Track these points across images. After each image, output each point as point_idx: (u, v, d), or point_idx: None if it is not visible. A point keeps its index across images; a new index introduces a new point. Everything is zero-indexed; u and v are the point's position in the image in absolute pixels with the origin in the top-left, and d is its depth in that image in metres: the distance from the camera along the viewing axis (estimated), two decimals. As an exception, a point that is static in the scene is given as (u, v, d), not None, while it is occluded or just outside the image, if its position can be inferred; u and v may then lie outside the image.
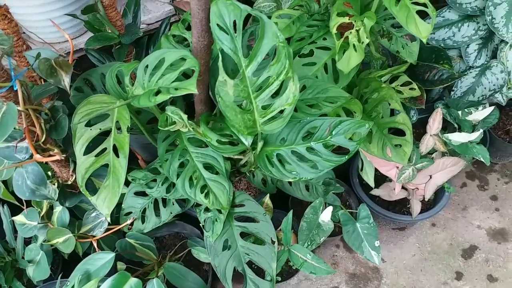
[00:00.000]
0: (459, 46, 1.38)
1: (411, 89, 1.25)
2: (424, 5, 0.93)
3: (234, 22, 0.74)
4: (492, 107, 1.32)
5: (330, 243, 1.37)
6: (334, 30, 1.00)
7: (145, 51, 1.32)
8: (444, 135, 1.18)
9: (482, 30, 1.34)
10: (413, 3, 0.94)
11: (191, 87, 0.68)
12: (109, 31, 1.17)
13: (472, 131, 1.32)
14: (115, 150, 0.86)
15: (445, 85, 1.34)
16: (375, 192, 1.27)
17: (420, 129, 1.52)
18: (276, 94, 0.79)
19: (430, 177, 1.18)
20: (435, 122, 1.16)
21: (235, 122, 0.79)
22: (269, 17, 1.05)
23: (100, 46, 1.14)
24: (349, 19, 1.01)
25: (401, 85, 1.26)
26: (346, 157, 0.84)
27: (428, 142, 1.16)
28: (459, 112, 1.33)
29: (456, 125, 1.33)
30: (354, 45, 0.98)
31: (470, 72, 1.38)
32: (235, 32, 0.74)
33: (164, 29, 1.33)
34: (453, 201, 1.47)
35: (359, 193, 1.30)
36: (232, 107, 0.78)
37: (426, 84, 1.38)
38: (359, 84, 1.20)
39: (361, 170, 1.25)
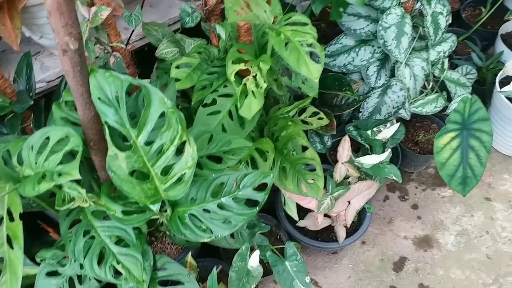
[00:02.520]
0: (360, 70, 1.44)
1: (319, 118, 1.29)
2: (312, 46, 0.96)
3: (117, 93, 0.71)
4: (397, 125, 1.39)
5: (267, 280, 1.36)
6: (232, 78, 1.00)
7: (45, 114, 1.24)
8: (356, 159, 1.22)
9: (378, 53, 1.42)
10: (302, 44, 0.96)
11: (73, 171, 0.64)
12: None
13: (383, 150, 1.38)
14: (9, 240, 0.79)
15: (352, 109, 1.40)
16: (301, 223, 1.27)
17: (335, 149, 1.56)
18: (175, 157, 0.76)
19: (349, 203, 1.21)
20: (344, 150, 1.20)
21: (134, 195, 0.75)
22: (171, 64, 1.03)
23: (-11, 118, 1.05)
24: (245, 65, 1.02)
25: (310, 116, 1.29)
26: (257, 208, 0.83)
27: (341, 170, 1.19)
28: (369, 133, 1.39)
29: (367, 146, 1.39)
30: (253, 92, 0.99)
31: (373, 93, 1.45)
32: (119, 104, 0.71)
33: (64, 86, 1.26)
34: (378, 215, 1.52)
35: (286, 226, 1.30)
36: (128, 180, 0.74)
37: (335, 109, 1.43)
38: (269, 122, 1.22)
39: (284, 204, 1.25)
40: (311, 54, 0.98)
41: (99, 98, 0.70)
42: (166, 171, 0.77)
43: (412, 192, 1.59)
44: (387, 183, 1.61)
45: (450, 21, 1.87)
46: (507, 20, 1.82)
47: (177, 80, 1.12)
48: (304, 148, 1.10)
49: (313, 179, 1.06)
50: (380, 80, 1.45)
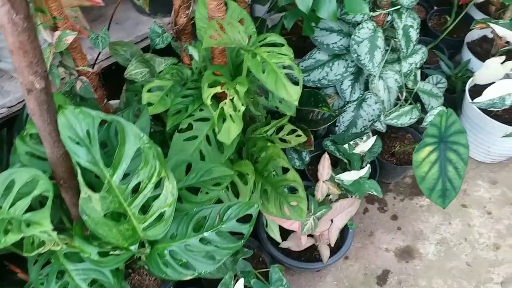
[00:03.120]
0: (334, 84, 1.44)
1: (297, 136, 1.27)
2: (290, 67, 0.94)
3: (88, 131, 0.66)
4: (374, 138, 1.39)
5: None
6: (208, 102, 0.96)
7: (7, 145, 1.16)
8: (336, 176, 1.21)
9: (351, 67, 1.42)
10: (279, 66, 0.94)
11: (43, 221, 0.59)
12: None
13: (362, 163, 1.38)
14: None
15: (328, 123, 1.39)
16: (284, 245, 1.25)
17: (315, 165, 1.54)
18: (153, 195, 0.72)
19: (332, 221, 1.20)
20: (324, 168, 1.18)
21: (111, 238, 0.70)
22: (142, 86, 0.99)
23: None
24: (221, 88, 0.99)
25: (287, 134, 1.26)
26: (242, 241, 0.79)
27: (322, 189, 1.17)
28: (346, 147, 1.38)
29: (346, 160, 1.38)
30: (231, 116, 0.95)
31: (349, 107, 1.45)
32: (91, 142, 0.66)
33: (27, 115, 1.19)
34: (359, 228, 1.52)
35: (269, 248, 1.27)
36: (103, 222, 0.69)
37: (311, 124, 1.41)
38: (247, 143, 1.19)
39: (266, 226, 1.22)
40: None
41: (69, 137, 0.65)
42: (144, 210, 0.72)
43: (391, 202, 1.59)
44: (366, 195, 1.61)
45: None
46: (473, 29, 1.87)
47: (149, 104, 1.07)
48: (285, 170, 1.07)
49: (296, 202, 1.03)
50: (354, 94, 1.44)
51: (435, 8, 2.10)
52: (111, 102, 1.34)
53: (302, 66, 1.44)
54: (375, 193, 1.22)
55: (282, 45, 0.98)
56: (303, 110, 1.41)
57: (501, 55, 1.72)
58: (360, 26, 1.33)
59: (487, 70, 1.44)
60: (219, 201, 1.01)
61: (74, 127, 0.66)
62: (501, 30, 1.50)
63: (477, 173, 1.68)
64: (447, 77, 1.74)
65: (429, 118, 1.30)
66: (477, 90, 1.57)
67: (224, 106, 0.96)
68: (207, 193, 0.86)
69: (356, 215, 1.55)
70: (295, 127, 1.27)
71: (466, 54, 1.83)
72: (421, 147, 1.15)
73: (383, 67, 1.42)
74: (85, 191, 0.67)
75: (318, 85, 1.43)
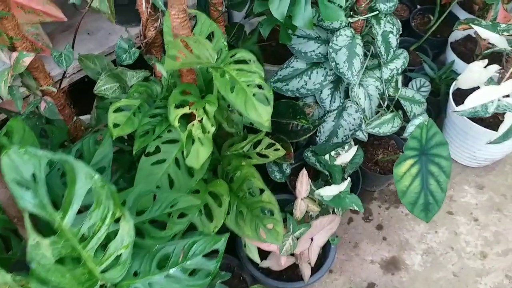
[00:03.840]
0: (313, 93, 1.39)
1: (275, 150, 1.22)
2: (260, 86, 0.89)
3: (34, 173, 0.61)
4: (355, 148, 1.34)
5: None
6: (176, 124, 0.91)
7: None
8: (316, 192, 1.17)
9: (330, 75, 1.37)
10: (249, 85, 0.89)
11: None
12: None
13: (343, 175, 1.34)
14: None
15: (308, 134, 1.35)
16: (263, 264, 1.21)
17: (296, 175, 1.50)
18: (109, 236, 0.67)
19: (312, 240, 1.16)
20: (303, 185, 1.14)
21: (65, 284, 0.65)
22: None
23: None
24: (189, 109, 0.94)
25: (266, 148, 1.22)
26: (210, 277, 0.75)
27: (301, 207, 1.13)
28: (327, 158, 1.34)
29: (327, 172, 1.34)
30: (199, 138, 0.90)
31: (329, 116, 1.40)
32: (38, 185, 0.61)
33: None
34: (344, 240, 1.48)
35: (248, 268, 1.23)
36: (56, 269, 0.64)
37: (291, 135, 1.37)
38: (223, 161, 1.14)
39: (245, 246, 1.18)
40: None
41: (14, 180, 0.60)
42: (100, 251, 0.67)
43: (376, 211, 1.56)
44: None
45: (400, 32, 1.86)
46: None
47: (116, 125, 1.02)
48: (261, 190, 1.03)
49: (272, 224, 0.99)
50: (334, 103, 1.40)
51: (419, 7, 2.05)
52: (84, 117, 1.28)
53: (280, 75, 1.39)
54: (356, 208, 1.18)
55: (252, 62, 0.93)
56: (282, 121, 1.37)
57: (484, 57, 1.68)
58: (338, 33, 1.28)
59: (470, 74, 1.40)
60: (191, 226, 0.96)
61: (20, 169, 0.60)
62: (483, 32, 1.46)
63: (463, 178, 1.65)
64: (431, 79, 1.71)
65: (410, 128, 1.26)
66: (461, 94, 1.54)
67: (192, 128, 0.91)
68: (171, 227, 0.81)
69: (341, 226, 1.51)
70: (273, 141, 1.23)
71: (450, 55, 1.79)
72: (401, 160, 1.11)
73: (363, 74, 1.38)
74: (33, 238, 0.62)
75: (297, 94, 1.39)
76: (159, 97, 1.09)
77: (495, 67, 1.38)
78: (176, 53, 0.85)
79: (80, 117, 1.25)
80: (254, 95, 0.88)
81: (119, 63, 1.11)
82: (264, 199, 1.00)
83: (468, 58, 1.78)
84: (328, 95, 1.40)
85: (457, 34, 1.86)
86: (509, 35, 1.47)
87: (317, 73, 1.38)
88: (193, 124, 0.91)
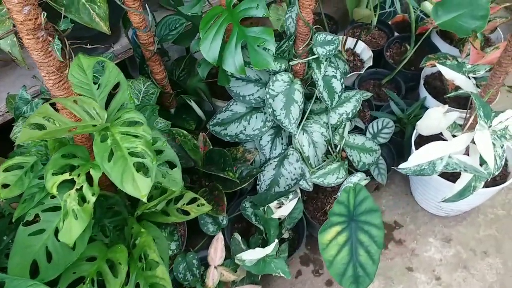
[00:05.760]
0: (253, 139, 1.29)
1: (199, 205, 1.12)
2: (142, 155, 0.79)
3: None
4: (295, 201, 1.23)
5: None
6: (54, 192, 0.82)
7: None
8: (237, 256, 1.06)
9: (270, 121, 1.27)
10: (130, 153, 0.80)
11: None
12: None
13: (281, 231, 1.23)
14: None
15: (245, 184, 1.24)
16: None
17: (240, 222, 1.39)
18: None
19: (228, 311, 1.05)
20: (217, 251, 1.03)
21: None
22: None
23: None
24: (70, 175, 0.85)
25: (188, 203, 1.12)
26: None
27: (213, 276, 1.02)
28: (263, 210, 1.22)
29: (262, 227, 1.23)
30: (74, 211, 0.81)
31: (270, 164, 1.29)
32: None
33: None
34: (290, 296, 1.36)
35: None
36: None
37: (227, 184, 1.26)
38: (129, 222, 1.04)
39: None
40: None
41: None
42: None
43: (327, 264, 1.43)
44: (301, 255, 1.45)
45: (371, 63, 1.74)
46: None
47: (5, 186, 0.94)
48: (157, 263, 0.92)
49: (166, 303, 0.89)
50: (275, 150, 1.29)
51: (396, 34, 1.92)
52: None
53: (219, 119, 1.30)
54: (282, 275, 1.07)
55: (140, 123, 0.84)
56: (213, 171, 1.25)
57: (446, 103, 1.54)
58: (274, 78, 1.18)
59: (429, 121, 1.26)
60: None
61: None
62: (448, 72, 1.33)
63: (429, 228, 1.50)
64: (398, 119, 1.57)
65: (345, 185, 1.14)
66: (419, 143, 1.40)
67: (68, 199, 0.82)
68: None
69: (287, 280, 1.39)
70: (196, 196, 1.13)
71: (422, 91, 1.65)
72: (326, 227, 0.99)
73: (307, 119, 1.27)
74: None
75: (236, 140, 1.29)
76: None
77: (454, 115, 1.25)
78: (40, 120, 0.76)
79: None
80: (134, 164, 0.79)
81: (17, 119, 1.03)
82: (158, 274, 0.90)
83: (443, 94, 1.64)
84: (268, 141, 1.29)
85: (431, 68, 1.72)
86: (475, 77, 1.33)
87: (256, 118, 1.27)
88: (69, 194, 0.82)
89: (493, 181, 1.32)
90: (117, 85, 0.92)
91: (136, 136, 0.81)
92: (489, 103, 1.21)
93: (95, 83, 0.90)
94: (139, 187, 0.77)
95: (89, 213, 0.82)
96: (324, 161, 1.31)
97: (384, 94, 1.73)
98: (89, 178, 0.85)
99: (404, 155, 1.50)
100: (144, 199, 0.76)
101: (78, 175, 0.84)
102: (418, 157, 1.10)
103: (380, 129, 1.47)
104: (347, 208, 0.99)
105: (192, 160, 1.28)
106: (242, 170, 1.27)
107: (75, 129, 0.81)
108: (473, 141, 1.08)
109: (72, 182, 0.84)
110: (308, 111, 1.25)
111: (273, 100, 1.18)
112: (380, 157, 1.39)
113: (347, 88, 1.65)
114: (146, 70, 1.30)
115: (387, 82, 1.76)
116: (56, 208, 0.89)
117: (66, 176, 0.84)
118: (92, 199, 0.83)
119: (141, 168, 0.79)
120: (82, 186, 0.83)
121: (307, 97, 1.26)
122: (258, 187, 1.31)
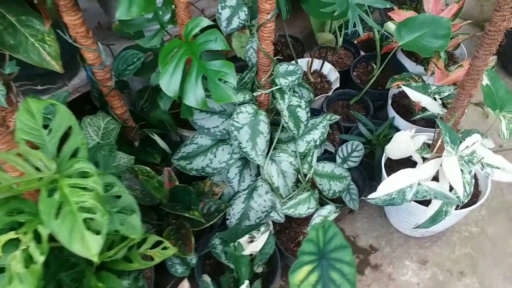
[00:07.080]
0: (220, 172, 1.24)
1: (164, 248, 1.07)
2: (92, 211, 0.74)
3: None
4: (267, 234, 1.18)
5: None
6: (-2, 252, 0.76)
7: None
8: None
9: (237, 153, 1.22)
10: (80, 208, 0.74)
11: None
12: None
13: (251, 269, 1.18)
14: None
15: (213, 221, 1.19)
16: None
17: (211, 258, 1.33)
18: None
19: None
20: (183, 300, 0.98)
21: None
22: None
23: None
24: (16, 234, 0.78)
25: (151, 248, 1.06)
26: None
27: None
28: (234, 246, 1.17)
29: (232, 266, 1.18)
30: (19, 275, 0.75)
31: (239, 197, 1.25)
32: None
33: None
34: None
35: None
36: None
37: (194, 222, 1.21)
38: (88, 272, 0.98)
39: None
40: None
41: None
42: None
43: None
44: (277, 287, 1.40)
45: (338, 85, 1.72)
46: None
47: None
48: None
49: None
50: (244, 182, 1.25)
51: (362, 53, 1.92)
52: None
53: (183, 152, 1.25)
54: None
55: (90, 175, 0.78)
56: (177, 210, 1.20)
57: (414, 122, 1.54)
58: (238, 110, 1.14)
59: (398, 145, 1.25)
60: None
61: None
62: (413, 94, 1.32)
63: (405, 250, 1.48)
64: (367, 140, 1.56)
65: (316, 219, 1.11)
66: (397, 161, 1.38)
67: (13, 261, 0.75)
68: None
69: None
70: (161, 238, 1.07)
71: (391, 111, 1.64)
72: (297, 267, 0.95)
73: (275, 149, 1.23)
74: None
75: (203, 173, 1.24)
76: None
77: (422, 138, 1.24)
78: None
79: None
80: (84, 220, 0.73)
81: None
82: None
83: (412, 113, 1.63)
84: (236, 174, 1.25)
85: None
86: (440, 98, 1.33)
87: (223, 150, 1.23)
88: (15, 255, 0.76)
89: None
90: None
91: (85, 189, 0.76)
92: (456, 122, 1.19)
93: (46, 127, 0.84)
94: (89, 246, 0.71)
95: (37, 275, 0.76)
96: (294, 190, 1.27)
97: (353, 115, 1.72)
98: (38, 235, 0.79)
99: (375, 177, 1.48)
100: (95, 259, 0.71)
101: (25, 233, 0.78)
102: (387, 186, 1.08)
103: (349, 153, 1.44)
104: (316, 246, 0.96)
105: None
106: (210, 205, 1.22)
107: (19, 184, 0.75)
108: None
109: (18, 241, 0.78)
110: (275, 140, 1.22)
111: (238, 132, 1.14)
112: (352, 182, 1.37)
113: (315, 111, 1.64)
114: (105, 106, 1.25)
115: (355, 103, 1.75)
116: (3, 270, 0.82)
117: (11, 235, 0.77)
118: (40, 259, 0.76)
119: (92, 224, 0.74)
120: (28, 246, 0.77)
121: (274, 125, 1.23)
122: (227, 221, 1.26)
